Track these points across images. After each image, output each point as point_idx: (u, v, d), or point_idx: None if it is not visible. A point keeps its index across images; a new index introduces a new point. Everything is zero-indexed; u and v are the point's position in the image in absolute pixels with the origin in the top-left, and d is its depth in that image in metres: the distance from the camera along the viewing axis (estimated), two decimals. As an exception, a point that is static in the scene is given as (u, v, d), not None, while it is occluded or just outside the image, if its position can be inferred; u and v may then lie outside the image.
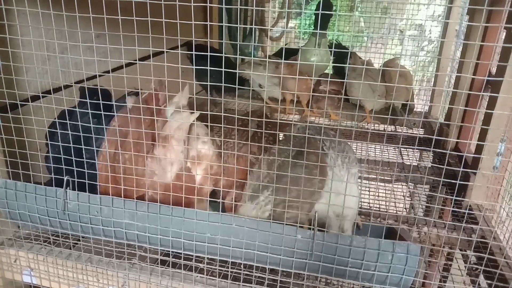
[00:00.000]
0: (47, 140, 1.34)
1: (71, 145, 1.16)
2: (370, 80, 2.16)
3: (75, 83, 1.46)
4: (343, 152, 1.25)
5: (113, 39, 1.03)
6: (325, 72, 2.54)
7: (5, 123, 1.17)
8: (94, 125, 1.22)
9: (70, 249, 1.28)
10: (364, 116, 2.35)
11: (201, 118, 1.30)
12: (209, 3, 2.77)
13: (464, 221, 1.47)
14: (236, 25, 3.00)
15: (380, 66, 2.47)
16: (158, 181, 1.19)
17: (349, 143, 1.47)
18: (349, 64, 2.25)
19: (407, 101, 2.29)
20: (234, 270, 1.19)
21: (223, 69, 0.97)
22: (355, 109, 2.34)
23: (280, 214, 1.12)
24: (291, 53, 2.55)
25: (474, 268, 1.21)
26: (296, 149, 1.21)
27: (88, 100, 1.12)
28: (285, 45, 3.42)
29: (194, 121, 1.30)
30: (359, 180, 1.30)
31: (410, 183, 1.94)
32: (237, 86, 2.11)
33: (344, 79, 2.27)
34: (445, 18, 2.86)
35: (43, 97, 1.19)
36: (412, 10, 3.82)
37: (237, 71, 2.30)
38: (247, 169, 1.32)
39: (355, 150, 1.89)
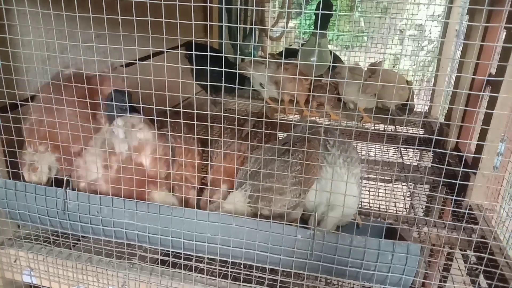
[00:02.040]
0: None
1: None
2: (359, 79, 2.18)
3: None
4: (347, 152, 1.25)
5: (113, 39, 1.03)
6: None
7: (5, 123, 1.17)
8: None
9: (70, 249, 1.28)
10: (362, 116, 2.36)
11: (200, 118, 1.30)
12: (209, 3, 2.77)
13: (464, 221, 1.47)
14: (236, 25, 3.00)
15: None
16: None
17: (353, 143, 1.47)
18: (335, 70, 2.29)
19: (406, 101, 2.29)
20: (234, 270, 1.19)
21: (223, 69, 0.97)
22: (349, 110, 2.37)
23: (257, 208, 1.13)
24: (293, 55, 2.55)
25: (474, 268, 1.21)
26: (281, 147, 1.23)
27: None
28: (289, 45, 3.42)
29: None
30: (360, 180, 1.29)
31: (410, 183, 1.94)
32: (237, 86, 2.11)
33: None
34: (445, 18, 2.86)
35: (43, 97, 1.19)
36: (412, 10, 3.83)
37: (238, 71, 2.29)
38: (233, 166, 1.32)
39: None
